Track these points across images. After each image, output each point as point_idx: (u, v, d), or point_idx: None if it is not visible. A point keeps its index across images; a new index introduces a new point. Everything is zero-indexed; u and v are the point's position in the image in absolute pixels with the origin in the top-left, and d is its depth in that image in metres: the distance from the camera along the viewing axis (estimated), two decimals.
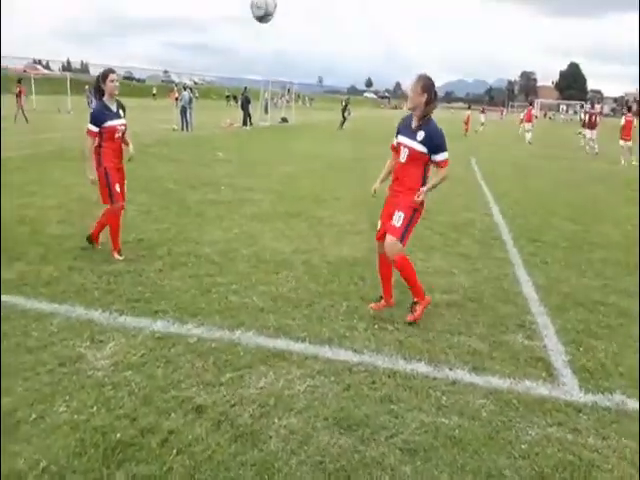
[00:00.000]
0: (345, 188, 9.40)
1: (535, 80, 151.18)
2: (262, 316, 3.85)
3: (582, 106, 21.87)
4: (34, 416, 2.58)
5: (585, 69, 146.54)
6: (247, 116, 24.49)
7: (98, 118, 4.74)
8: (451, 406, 2.85)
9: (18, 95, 21.67)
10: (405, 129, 3.83)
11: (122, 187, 5.00)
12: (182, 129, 20.51)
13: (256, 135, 20.41)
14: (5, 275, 4.36)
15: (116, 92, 4.81)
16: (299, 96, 60.41)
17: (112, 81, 4.74)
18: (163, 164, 11.08)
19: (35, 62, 64.41)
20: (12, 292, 4.04)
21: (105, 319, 3.68)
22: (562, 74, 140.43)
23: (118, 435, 2.46)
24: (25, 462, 2.27)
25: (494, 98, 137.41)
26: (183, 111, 20.85)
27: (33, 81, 31.45)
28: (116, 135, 4.85)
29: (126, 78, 69.44)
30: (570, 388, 3.10)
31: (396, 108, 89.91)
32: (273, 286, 4.44)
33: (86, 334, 3.44)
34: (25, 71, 38.76)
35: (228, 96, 53.63)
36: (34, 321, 3.59)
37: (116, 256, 4.90)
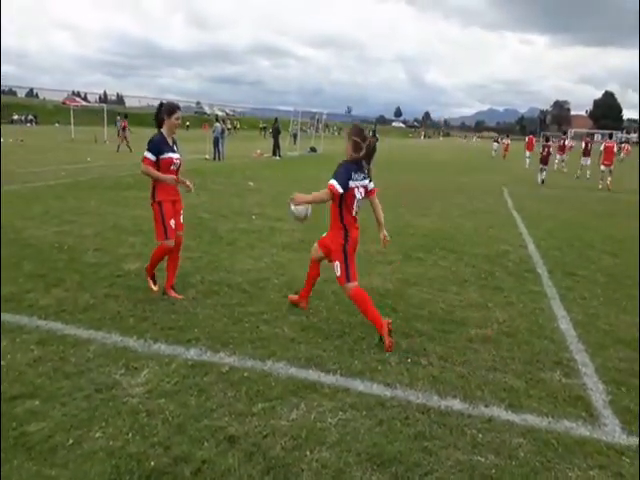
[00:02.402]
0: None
1: (568, 109, 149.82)
2: (293, 346, 3.85)
3: (611, 135, 22.03)
4: (71, 441, 2.63)
5: (620, 98, 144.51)
6: (277, 146, 24.98)
7: (157, 148, 4.64)
8: (487, 444, 2.77)
9: (123, 129, 23.89)
10: None
11: (177, 220, 4.81)
12: (214, 159, 21.04)
13: (285, 165, 20.75)
14: (44, 301, 4.50)
15: (175, 129, 4.75)
16: (327, 126, 61.31)
17: (177, 118, 4.68)
18: (195, 193, 11.29)
19: (74, 94, 67.63)
20: (51, 317, 4.16)
21: (140, 346, 3.74)
22: (596, 103, 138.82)
23: (152, 463, 2.48)
24: None
25: (525, 127, 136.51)
26: (215, 142, 21.44)
27: (72, 112, 32.90)
28: (171, 167, 4.72)
29: None
30: (611, 430, 2.98)
31: (424, 137, 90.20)
32: (304, 316, 4.45)
33: (121, 361, 3.50)
34: (64, 103, 40.73)
35: (263, 127, 54.64)
36: (72, 347, 3.68)
37: (155, 287, 4.86)
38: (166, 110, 4.71)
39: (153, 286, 4.90)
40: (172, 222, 4.70)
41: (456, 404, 3.15)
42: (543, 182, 17.76)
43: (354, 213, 4.20)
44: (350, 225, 4.20)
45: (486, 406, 3.14)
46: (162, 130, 4.74)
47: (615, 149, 18.50)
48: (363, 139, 4.05)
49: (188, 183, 4.78)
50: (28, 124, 47.96)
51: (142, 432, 2.72)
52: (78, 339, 3.81)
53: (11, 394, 3.01)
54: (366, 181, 4.20)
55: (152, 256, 4.86)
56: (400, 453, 2.65)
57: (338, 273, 4.13)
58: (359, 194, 4.16)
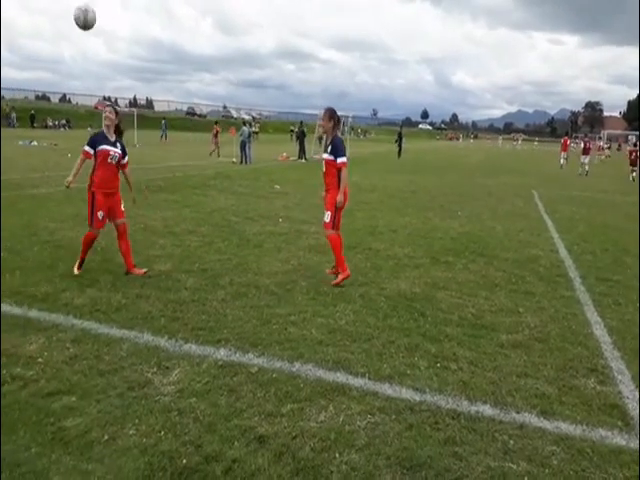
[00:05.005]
0: (401, 220, 9.38)
1: (601, 110, 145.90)
2: (321, 349, 3.86)
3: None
4: (106, 437, 2.69)
5: None
6: (302, 149, 25.08)
7: (94, 141, 5.24)
8: (519, 451, 2.73)
9: (215, 135, 24.58)
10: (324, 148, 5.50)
11: (117, 210, 5.40)
12: (241, 162, 21.26)
13: (311, 168, 20.80)
14: (78, 300, 4.62)
15: (107, 123, 5.31)
16: (353, 128, 61.22)
17: (105, 112, 5.38)
18: (224, 196, 11.51)
19: (105, 99, 69.19)
20: (85, 316, 4.27)
21: (171, 346, 3.81)
22: (630, 104, 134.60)
23: (184, 461, 2.52)
24: None
25: (556, 129, 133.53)
26: (242, 145, 21.65)
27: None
28: (108, 159, 5.23)
29: (188, 114, 73.00)
30: None
31: (452, 139, 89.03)
32: (331, 319, 4.45)
33: (153, 360, 3.57)
34: (96, 107, 41.55)
35: (292, 130, 54.51)
36: (106, 345, 3.77)
37: (76, 271, 5.31)
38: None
39: (76, 269, 5.36)
40: (100, 214, 5.27)
41: (487, 410, 3.11)
42: (634, 180, 20.56)
43: None
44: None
45: (517, 412, 3.09)
46: (103, 128, 5.36)
47: None
48: (337, 117, 5.36)
49: (69, 180, 5.29)
50: (62, 129, 49.30)
51: (174, 430, 2.77)
52: (112, 338, 3.90)
53: (49, 390, 3.10)
54: None
55: (82, 242, 5.40)
56: (430, 458, 2.63)
57: (327, 220, 5.39)
58: None
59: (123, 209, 5.48)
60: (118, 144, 5.38)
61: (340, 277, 5.35)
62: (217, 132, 24.66)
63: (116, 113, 5.42)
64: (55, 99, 72.12)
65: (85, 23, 5.35)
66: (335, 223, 5.40)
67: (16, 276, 5.15)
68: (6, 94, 57.40)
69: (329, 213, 5.36)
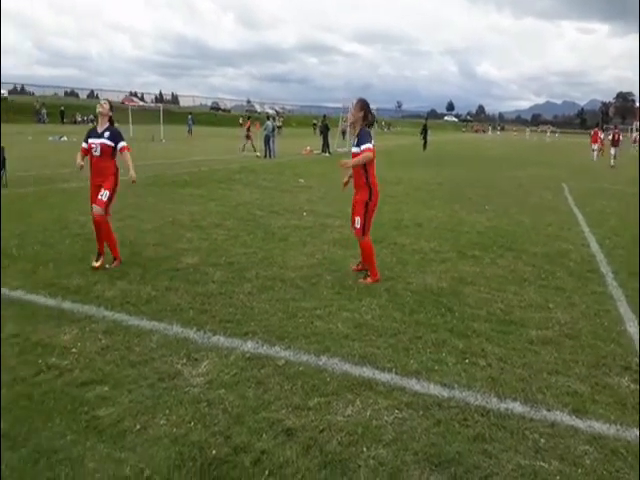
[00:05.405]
0: (427, 214, 9.28)
1: (633, 101, 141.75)
2: (347, 343, 3.85)
3: None
4: (138, 427, 2.75)
5: None
6: (326, 143, 25.03)
7: (86, 137, 5.48)
8: (550, 450, 2.68)
9: (248, 129, 24.73)
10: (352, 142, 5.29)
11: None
12: (265, 156, 21.34)
13: (335, 161, 20.69)
14: (109, 293, 4.72)
15: (99, 110, 5.43)
16: (377, 121, 60.72)
17: (100, 105, 5.50)
18: (249, 190, 11.58)
19: (131, 94, 70.35)
20: (117, 308, 4.36)
21: (200, 338, 3.86)
22: None
23: (214, 452, 2.56)
24: (131, 469, 2.43)
25: (586, 121, 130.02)
26: (267, 139, 21.73)
27: (130, 112, 34.17)
28: (93, 152, 5.39)
29: (212, 108, 73.60)
30: None
31: (478, 132, 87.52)
32: (357, 313, 4.44)
33: (182, 351, 3.63)
34: (123, 102, 42.30)
35: (315, 124, 54.48)
36: (136, 337, 3.85)
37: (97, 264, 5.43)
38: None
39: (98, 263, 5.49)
40: (93, 207, 5.48)
41: (517, 407, 3.06)
42: None
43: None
44: (374, 184, 5.17)
45: (548, 410, 3.04)
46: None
47: None
48: (369, 109, 5.09)
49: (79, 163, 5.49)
50: (90, 124, 50.27)
51: (203, 421, 2.81)
52: (142, 329, 3.97)
53: (82, 380, 3.18)
54: None
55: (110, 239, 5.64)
56: (459, 454, 2.60)
57: (358, 226, 5.16)
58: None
59: (99, 197, 5.48)
60: (106, 133, 5.40)
61: (369, 280, 5.25)
62: (248, 126, 24.78)
63: (111, 106, 5.56)
64: (83, 95, 73.44)
65: None
66: (366, 228, 5.19)
67: (49, 268, 5.29)
68: (36, 91, 58.89)
69: (359, 219, 5.15)
